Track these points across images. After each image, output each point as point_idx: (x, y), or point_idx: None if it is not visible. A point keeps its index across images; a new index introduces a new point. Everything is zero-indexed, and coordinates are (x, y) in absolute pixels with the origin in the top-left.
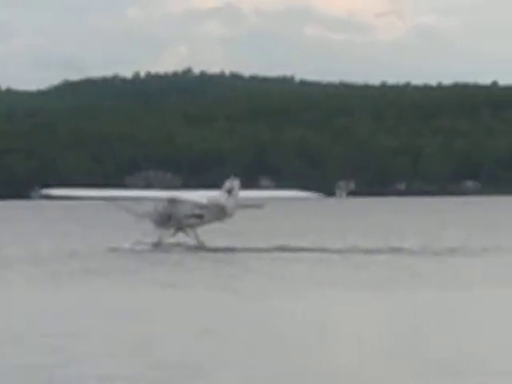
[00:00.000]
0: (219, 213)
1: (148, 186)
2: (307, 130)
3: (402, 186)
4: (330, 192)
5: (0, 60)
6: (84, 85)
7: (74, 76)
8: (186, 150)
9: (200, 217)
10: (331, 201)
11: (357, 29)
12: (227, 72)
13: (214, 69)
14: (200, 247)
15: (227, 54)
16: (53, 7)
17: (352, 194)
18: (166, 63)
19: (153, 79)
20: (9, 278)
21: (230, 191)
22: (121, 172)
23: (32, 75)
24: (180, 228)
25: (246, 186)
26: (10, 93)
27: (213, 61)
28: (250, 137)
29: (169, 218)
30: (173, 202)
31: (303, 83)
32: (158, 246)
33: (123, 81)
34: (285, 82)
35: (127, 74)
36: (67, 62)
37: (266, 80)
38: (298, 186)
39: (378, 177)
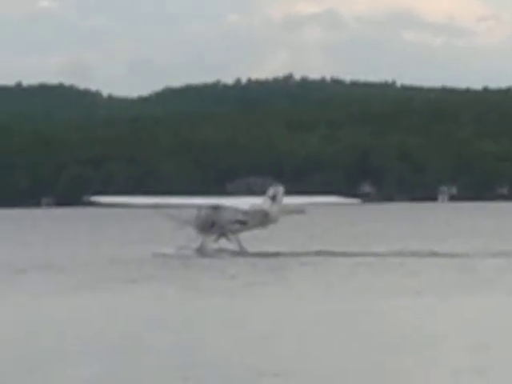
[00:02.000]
0: (262, 219)
1: (249, 192)
2: (408, 135)
3: (505, 191)
4: (432, 197)
5: (101, 66)
6: (185, 91)
7: (176, 82)
8: (288, 155)
9: (243, 223)
10: (433, 205)
11: (458, 33)
12: (328, 77)
13: (314, 74)
14: (242, 253)
15: (328, 59)
16: (154, 13)
17: (454, 198)
18: (267, 69)
19: (254, 85)
20: (63, 282)
21: (273, 197)
22: (222, 179)
23: (133, 82)
24: (223, 234)
25: (347, 191)
26: (111, 99)
27: (314, 66)
28: (351, 142)
29: (212, 225)
30: (216, 208)
31: (404, 88)
32: (201, 251)
33: (225, 87)
34: (386, 87)
35: (229, 80)
36: (169, 68)
37: (366, 85)
38: (400, 191)
39: (480, 181)
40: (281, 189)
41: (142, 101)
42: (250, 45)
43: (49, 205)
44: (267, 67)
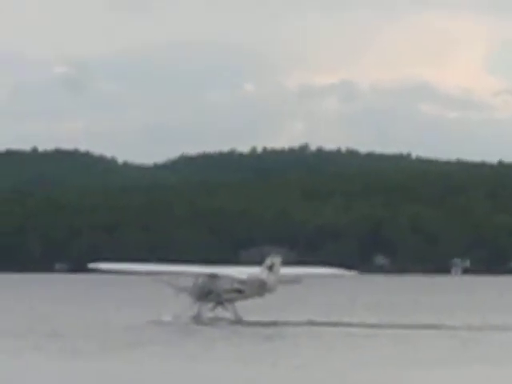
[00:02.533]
0: (260, 288)
1: (263, 261)
2: (423, 206)
3: None
4: (445, 269)
5: (117, 133)
6: (201, 159)
7: (191, 150)
8: (302, 225)
9: (240, 292)
10: (446, 278)
11: (473, 107)
12: (343, 149)
13: (330, 145)
14: (238, 321)
15: (344, 130)
16: (169, 81)
17: (467, 271)
18: (283, 139)
19: (269, 154)
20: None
21: (271, 267)
22: (236, 247)
23: (149, 149)
24: (220, 302)
25: (360, 262)
26: (126, 166)
27: (329, 137)
28: (365, 213)
29: (209, 293)
30: (213, 277)
31: (419, 160)
32: (197, 319)
33: (240, 155)
34: (401, 159)
35: (244, 148)
36: (185, 136)
37: (382, 157)
38: (414, 263)
39: (494, 255)
40: (278, 259)
41: (157, 168)
42: (267, 114)
43: (62, 270)
44: (283, 137)
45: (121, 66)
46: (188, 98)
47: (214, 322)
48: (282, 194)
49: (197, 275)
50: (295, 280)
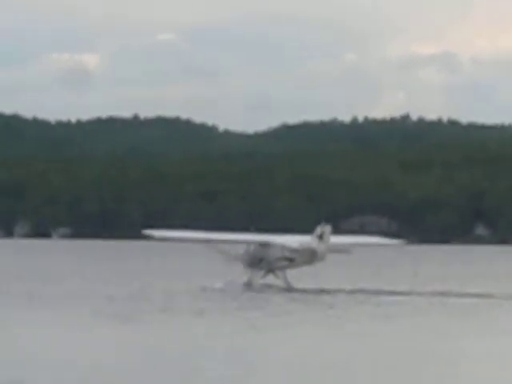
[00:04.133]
0: (310, 257)
1: (363, 230)
2: None
3: None
4: None
5: (218, 102)
6: (302, 128)
7: (292, 119)
8: (402, 196)
9: (291, 260)
10: None
11: None
12: (445, 119)
13: (431, 115)
14: (289, 289)
15: (445, 100)
16: (271, 50)
17: None
18: (384, 108)
19: (371, 124)
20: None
21: (321, 236)
22: (336, 216)
23: (250, 117)
24: (271, 270)
25: (460, 233)
26: (227, 134)
27: (430, 107)
28: (466, 184)
29: (260, 261)
30: (265, 245)
31: None
32: (249, 286)
33: (341, 125)
34: (502, 129)
35: (345, 118)
36: (285, 105)
37: (483, 127)
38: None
39: None
40: (328, 228)
41: (258, 136)
42: (368, 84)
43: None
44: (384, 107)
45: (224, 35)
46: (289, 67)
47: (266, 288)
48: (383, 164)
49: (248, 243)
50: (345, 249)
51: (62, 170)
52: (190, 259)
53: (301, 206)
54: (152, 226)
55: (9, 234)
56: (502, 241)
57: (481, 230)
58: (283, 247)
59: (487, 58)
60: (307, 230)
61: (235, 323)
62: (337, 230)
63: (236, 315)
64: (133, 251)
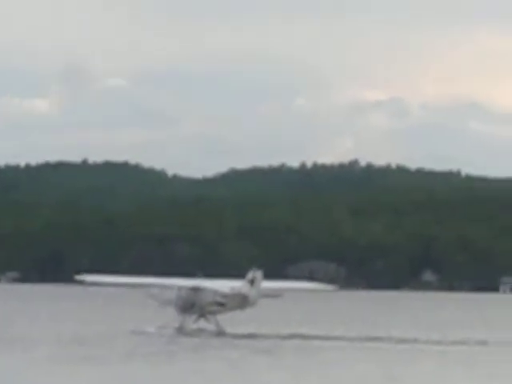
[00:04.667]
0: (241, 301)
1: (311, 276)
2: (472, 224)
3: None
4: (494, 287)
5: (168, 146)
6: (250, 173)
7: (241, 164)
8: (351, 241)
9: (222, 305)
10: (495, 296)
11: None
12: (393, 165)
13: (380, 161)
14: (220, 333)
15: (393, 146)
16: (220, 94)
17: None
18: (333, 154)
19: (319, 170)
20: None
21: (252, 281)
22: (284, 262)
23: (199, 162)
24: (202, 314)
25: (409, 278)
26: (176, 179)
27: (379, 153)
28: (414, 230)
29: (192, 305)
30: (196, 290)
31: (469, 178)
32: (180, 330)
33: (290, 170)
34: (451, 176)
35: (294, 163)
36: (234, 149)
37: (431, 173)
38: (462, 280)
39: None
40: (259, 273)
41: (207, 181)
42: (317, 129)
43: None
44: (333, 152)
45: (173, 78)
46: (238, 111)
47: (197, 333)
48: (331, 210)
49: (180, 288)
50: (276, 294)
51: (11, 214)
52: (126, 304)
53: (249, 251)
54: (100, 271)
55: None
56: (449, 287)
57: (428, 275)
58: (215, 292)
59: (436, 105)
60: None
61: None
62: (285, 276)
63: (166, 360)
64: (77, 296)
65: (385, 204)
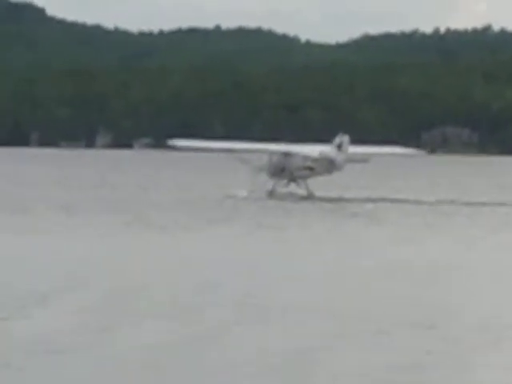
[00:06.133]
0: (329, 166)
1: (444, 142)
2: None
3: None
4: None
5: (301, 12)
6: (383, 39)
7: (374, 30)
8: (484, 107)
9: (311, 169)
10: None
11: None
12: None
13: None
14: (310, 197)
15: None
16: None
17: None
18: (466, 19)
19: (452, 35)
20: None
21: (339, 146)
22: (418, 128)
23: (331, 28)
24: (292, 179)
25: None
26: (309, 45)
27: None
28: None
29: (282, 170)
30: (287, 155)
31: None
32: (271, 194)
33: (423, 36)
34: None
35: (427, 29)
36: (368, 16)
37: None
38: None
39: None
40: (346, 138)
41: (340, 47)
42: None
43: None
44: (466, 17)
45: None
46: None
47: (288, 196)
48: (465, 76)
49: (271, 153)
50: (363, 159)
51: (142, 81)
52: (218, 169)
53: (382, 117)
54: (229, 137)
55: (90, 144)
56: None
57: None
58: (304, 157)
59: None
60: (391, 141)
61: (258, 231)
62: (419, 142)
63: (259, 222)
64: (183, 161)
65: None
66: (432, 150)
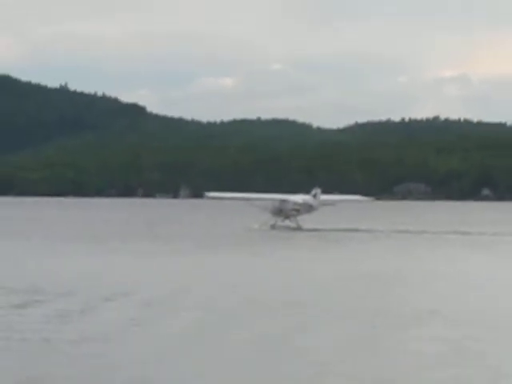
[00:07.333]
0: (309, 208)
1: (408, 193)
2: None
3: None
4: None
5: (314, 107)
6: (368, 125)
7: (362, 119)
8: (435, 170)
9: (297, 210)
10: None
11: None
12: None
13: None
14: (299, 228)
15: None
16: None
17: None
18: (422, 111)
19: (414, 122)
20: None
21: (315, 195)
22: (391, 184)
23: (334, 118)
24: (287, 217)
25: None
26: (319, 130)
27: None
28: None
29: (280, 211)
30: (283, 201)
31: None
32: (274, 227)
33: (394, 123)
34: None
35: (397, 118)
36: (358, 109)
37: None
38: None
39: None
40: (319, 190)
41: (339, 131)
42: None
43: None
44: (422, 110)
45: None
46: None
47: (285, 228)
48: (422, 150)
49: (273, 200)
50: (331, 203)
51: (209, 155)
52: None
53: (367, 177)
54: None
55: (175, 195)
56: None
57: None
58: (294, 202)
59: None
60: (357, 192)
61: (267, 250)
62: (392, 193)
63: (267, 245)
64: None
65: None
66: (378, 198)
